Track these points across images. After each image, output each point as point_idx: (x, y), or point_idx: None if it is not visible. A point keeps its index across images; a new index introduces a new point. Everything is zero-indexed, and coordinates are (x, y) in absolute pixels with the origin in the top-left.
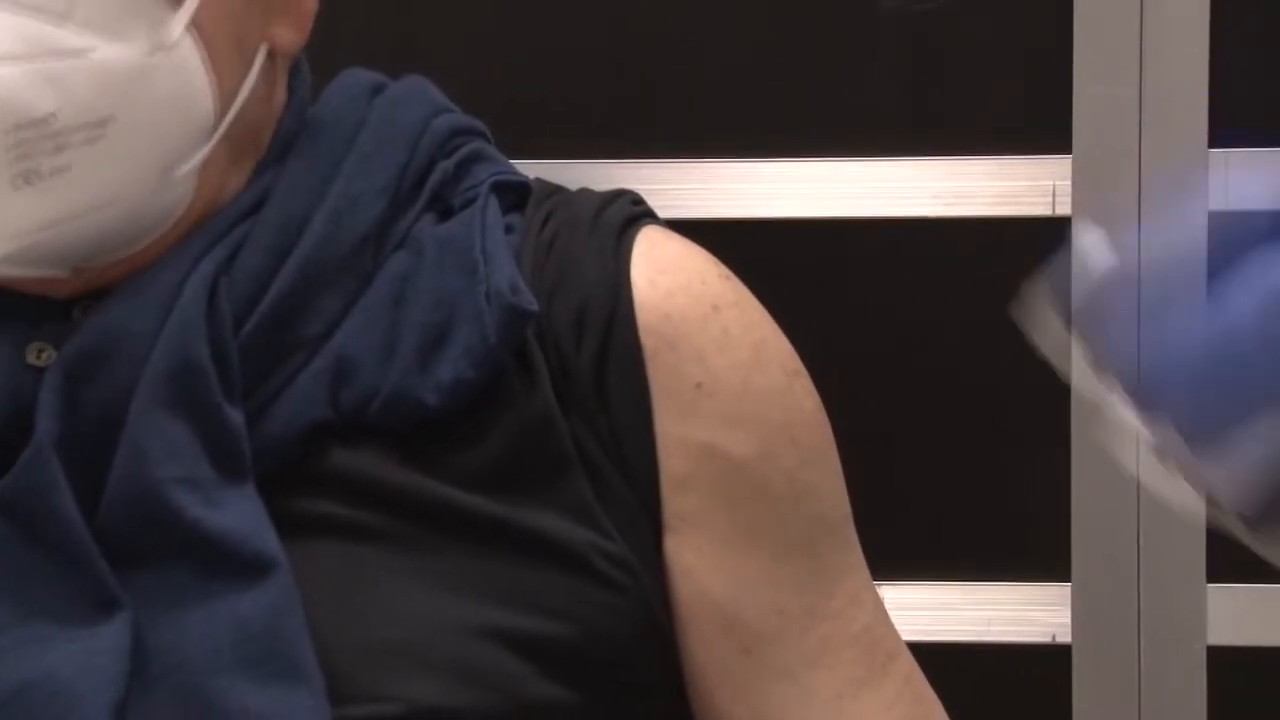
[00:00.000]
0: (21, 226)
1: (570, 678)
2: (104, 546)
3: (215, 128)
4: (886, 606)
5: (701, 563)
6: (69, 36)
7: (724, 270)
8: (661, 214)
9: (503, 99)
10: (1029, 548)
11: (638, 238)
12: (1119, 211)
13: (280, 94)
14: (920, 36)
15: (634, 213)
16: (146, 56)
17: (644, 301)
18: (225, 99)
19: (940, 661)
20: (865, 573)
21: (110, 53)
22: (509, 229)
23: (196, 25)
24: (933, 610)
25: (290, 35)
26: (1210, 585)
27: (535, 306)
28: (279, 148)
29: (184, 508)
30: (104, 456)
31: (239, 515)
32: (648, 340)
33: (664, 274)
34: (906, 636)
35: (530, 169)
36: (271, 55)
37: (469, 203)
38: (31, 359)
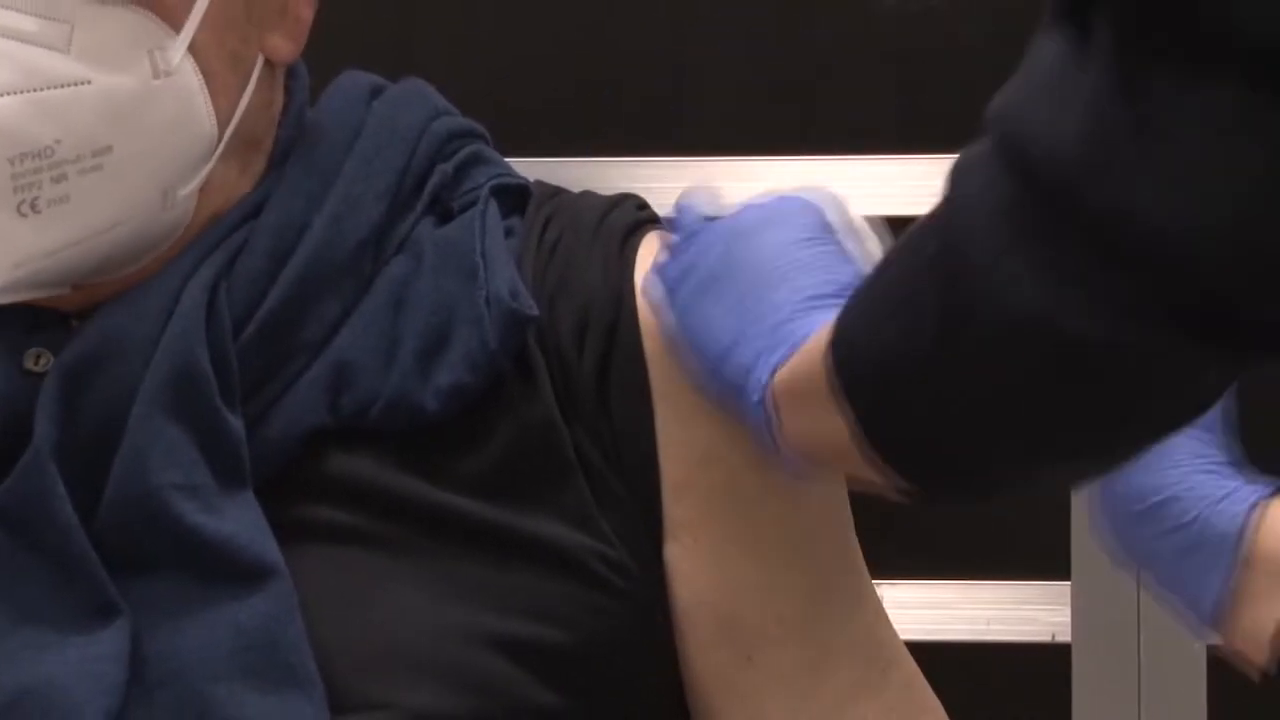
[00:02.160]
0: (24, 255)
1: (568, 684)
2: (102, 553)
3: (215, 148)
4: (886, 605)
5: (701, 569)
6: (69, 67)
7: None
8: (661, 213)
9: (500, 98)
10: (1028, 546)
11: (643, 243)
12: None
13: (278, 100)
14: (920, 35)
15: (639, 218)
16: (146, 84)
17: (647, 307)
18: (224, 117)
19: (940, 661)
20: (866, 578)
21: (110, 82)
22: (509, 232)
23: (194, 48)
24: (932, 609)
25: (286, 46)
26: None
27: (535, 311)
28: (279, 153)
29: (183, 514)
30: (103, 462)
31: (238, 522)
32: (650, 346)
33: None
34: (906, 636)
35: (527, 167)
36: (268, 64)
37: (468, 206)
38: (29, 365)
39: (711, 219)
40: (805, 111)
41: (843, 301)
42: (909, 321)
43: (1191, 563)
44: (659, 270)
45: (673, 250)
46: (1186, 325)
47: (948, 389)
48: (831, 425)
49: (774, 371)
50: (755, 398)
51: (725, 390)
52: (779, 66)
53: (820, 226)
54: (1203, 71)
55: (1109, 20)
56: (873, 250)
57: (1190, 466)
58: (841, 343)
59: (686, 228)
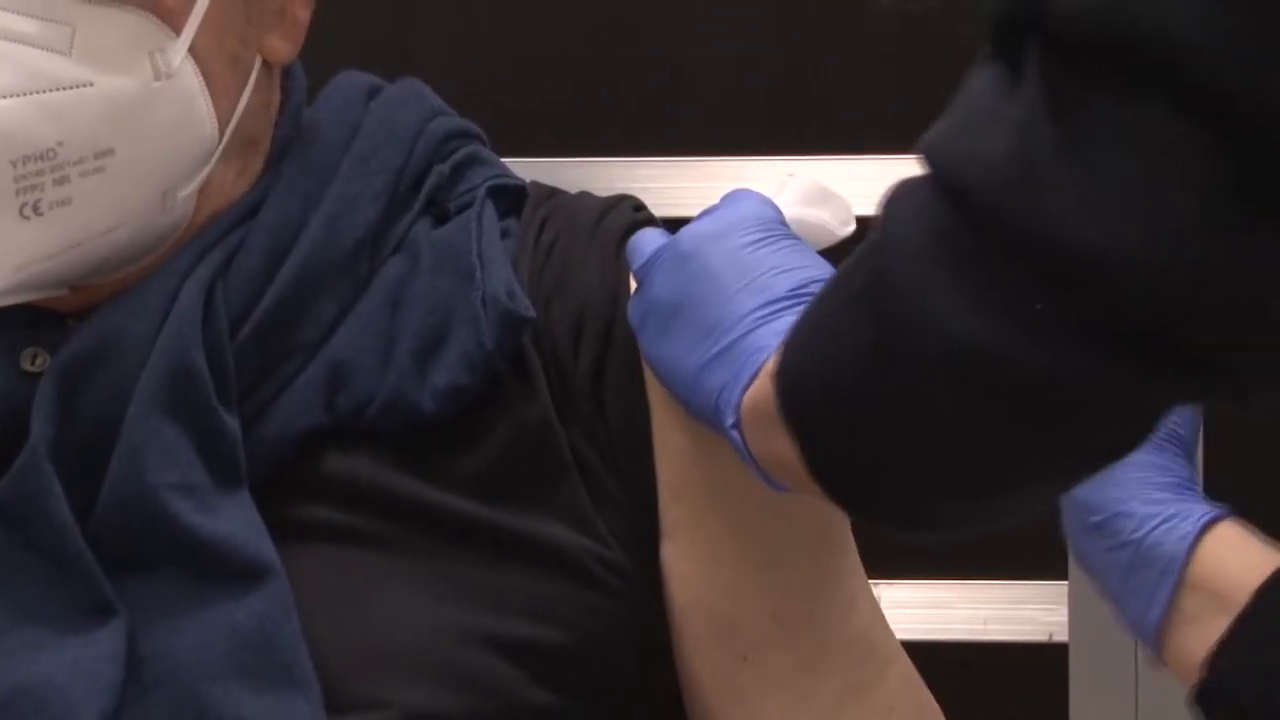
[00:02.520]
0: (25, 258)
1: (565, 684)
2: (98, 552)
3: (215, 149)
4: (883, 605)
5: (696, 569)
6: (71, 69)
7: None
8: (658, 213)
9: (497, 99)
10: (1025, 546)
11: None
12: None
13: (276, 100)
14: (919, 35)
15: (635, 219)
16: (148, 86)
17: None
18: (224, 118)
19: (937, 660)
20: (862, 576)
21: (112, 84)
22: (505, 233)
23: (194, 50)
24: (929, 609)
25: (284, 46)
26: None
27: (532, 312)
28: (276, 153)
29: (179, 514)
30: (99, 461)
31: (234, 521)
32: None
33: None
34: (903, 635)
35: (524, 168)
36: (266, 65)
37: (465, 206)
38: (26, 365)
39: (662, 249)
40: (803, 111)
41: (799, 300)
42: (842, 352)
43: (1136, 580)
44: (628, 314)
45: (634, 292)
46: (1116, 350)
47: (880, 418)
48: (789, 449)
49: (742, 395)
50: (728, 422)
51: (701, 415)
52: (777, 66)
53: (769, 222)
54: (1132, 93)
55: (1041, 43)
56: (836, 220)
57: (1140, 484)
58: (783, 372)
59: (640, 267)
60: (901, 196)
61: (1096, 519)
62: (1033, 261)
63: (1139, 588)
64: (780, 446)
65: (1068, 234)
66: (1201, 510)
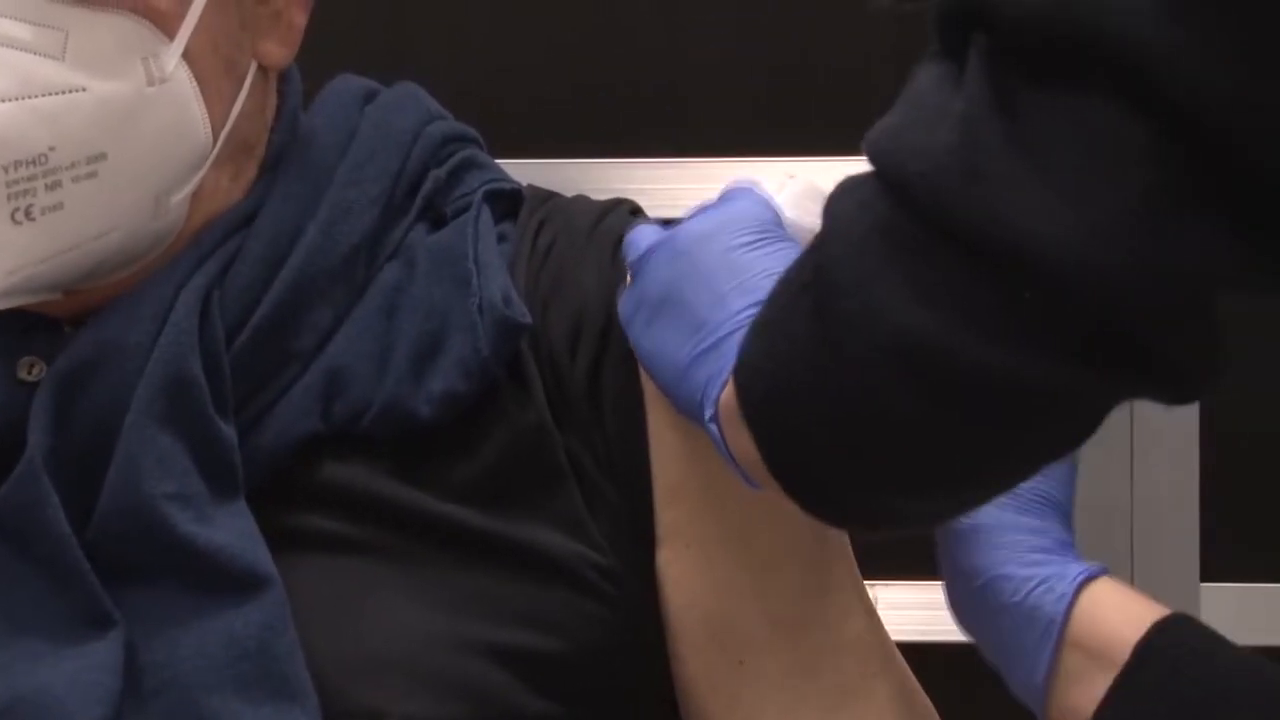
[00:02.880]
0: (18, 262)
1: (561, 691)
2: (95, 562)
3: (209, 154)
4: (880, 606)
5: (692, 573)
6: (64, 74)
7: None
8: (657, 214)
9: (495, 100)
10: None
11: None
12: None
13: (271, 105)
14: (919, 35)
15: (632, 223)
16: (141, 91)
17: None
18: (218, 123)
19: (933, 662)
20: (858, 579)
21: (105, 89)
22: (502, 238)
23: (189, 55)
24: (927, 609)
25: (279, 51)
26: (1204, 585)
27: (528, 319)
28: (272, 158)
29: (176, 524)
30: (96, 470)
31: (231, 531)
32: None
33: None
34: (900, 636)
35: (522, 169)
36: (261, 70)
37: (461, 211)
38: (23, 374)
39: (657, 244)
40: (803, 111)
41: None
42: (792, 348)
43: (1018, 642)
44: (619, 307)
45: (627, 286)
46: (1059, 343)
47: (830, 415)
48: (754, 447)
49: (722, 390)
50: (708, 417)
51: (687, 411)
52: (777, 66)
53: (765, 222)
54: (1079, 88)
55: (988, 39)
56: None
57: (1016, 547)
58: (741, 368)
59: (634, 261)
60: (846, 193)
61: (975, 584)
62: (977, 253)
63: (1022, 650)
64: (749, 444)
65: (1011, 226)
66: (1078, 569)
